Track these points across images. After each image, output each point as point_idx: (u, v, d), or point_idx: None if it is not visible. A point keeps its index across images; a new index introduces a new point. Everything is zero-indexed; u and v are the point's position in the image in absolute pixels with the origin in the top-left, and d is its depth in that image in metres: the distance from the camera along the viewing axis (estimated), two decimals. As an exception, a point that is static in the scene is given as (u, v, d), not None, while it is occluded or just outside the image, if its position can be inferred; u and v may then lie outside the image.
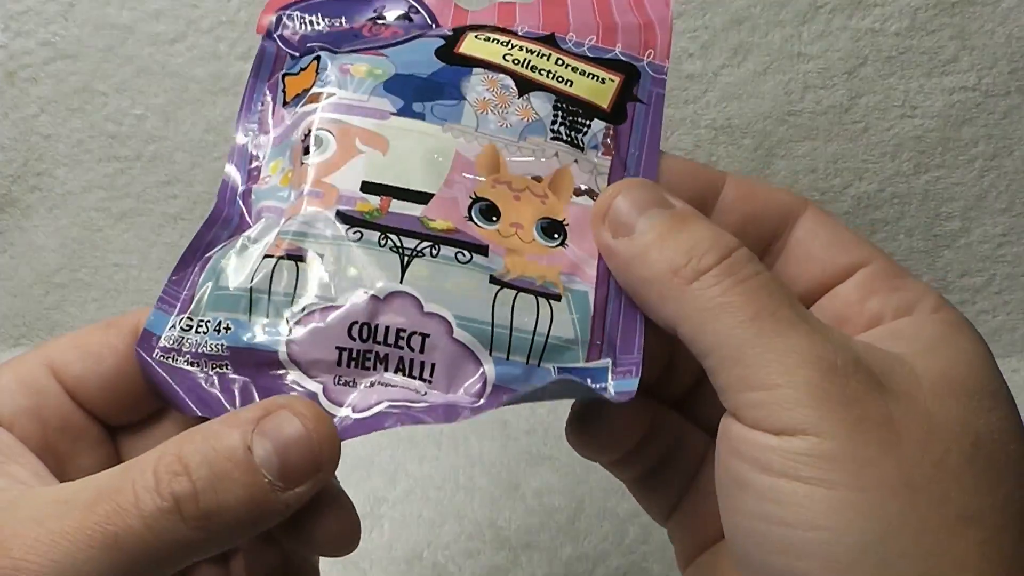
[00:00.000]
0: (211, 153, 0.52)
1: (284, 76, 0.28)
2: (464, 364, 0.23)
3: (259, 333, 0.23)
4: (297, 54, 0.28)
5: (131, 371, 0.23)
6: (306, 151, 0.25)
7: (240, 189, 0.27)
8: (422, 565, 0.44)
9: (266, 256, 0.24)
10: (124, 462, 0.21)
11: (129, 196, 0.53)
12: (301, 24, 0.29)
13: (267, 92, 0.28)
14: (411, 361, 0.23)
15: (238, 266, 0.24)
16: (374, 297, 0.23)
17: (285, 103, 0.27)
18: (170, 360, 0.23)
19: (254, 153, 0.27)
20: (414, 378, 0.23)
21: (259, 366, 0.23)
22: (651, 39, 0.28)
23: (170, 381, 0.23)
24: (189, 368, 0.23)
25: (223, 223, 0.26)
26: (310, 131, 0.25)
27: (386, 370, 0.23)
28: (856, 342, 0.22)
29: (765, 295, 0.21)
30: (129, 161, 0.53)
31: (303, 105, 0.26)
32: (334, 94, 0.26)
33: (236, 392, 0.23)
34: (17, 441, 0.22)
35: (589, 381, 0.23)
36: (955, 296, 0.54)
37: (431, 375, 0.23)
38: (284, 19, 0.29)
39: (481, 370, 0.23)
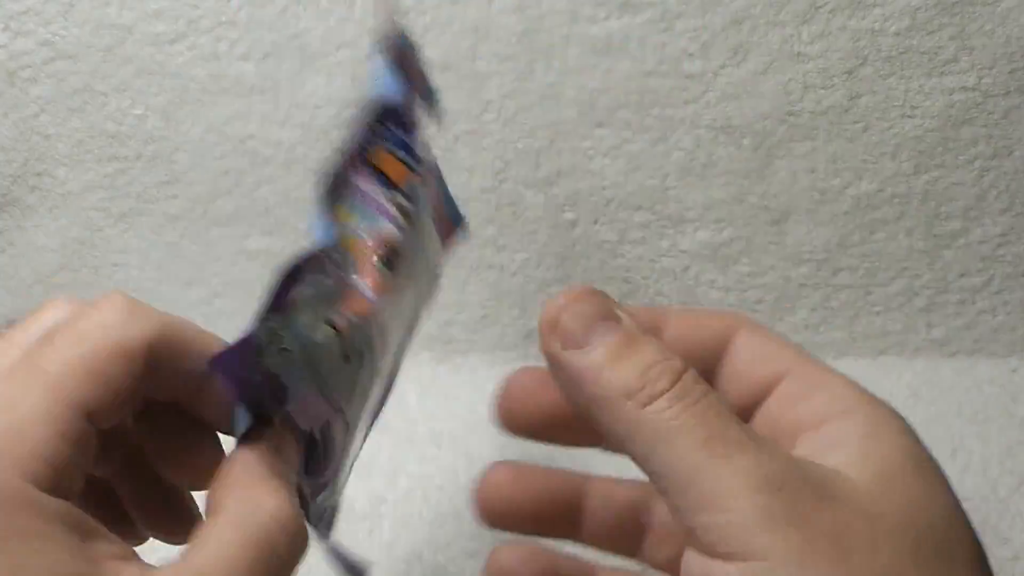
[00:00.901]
0: (211, 153, 0.53)
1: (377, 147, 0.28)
2: None
3: None
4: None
5: (142, 389, 0.23)
6: (386, 264, 0.26)
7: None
8: (422, 565, 0.44)
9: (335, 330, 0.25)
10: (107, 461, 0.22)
11: (129, 196, 0.53)
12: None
13: (365, 134, 0.29)
14: None
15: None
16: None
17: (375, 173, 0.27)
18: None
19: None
20: None
21: None
22: None
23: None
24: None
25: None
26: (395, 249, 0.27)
27: None
28: (799, 459, 0.22)
29: (714, 417, 0.22)
30: (129, 161, 0.53)
31: (392, 204, 0.27)
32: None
33: None
34: (90, 519, 0.21)
35: None
36: (955, 296, 0.54)
37: None
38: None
39: None
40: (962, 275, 0.54)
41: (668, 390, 0.22)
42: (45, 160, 0.53)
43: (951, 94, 0.50)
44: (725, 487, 0.21)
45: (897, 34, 0.50)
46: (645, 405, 0.22)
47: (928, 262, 0.54)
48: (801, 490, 0.21)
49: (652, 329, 0.25)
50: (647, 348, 0.23)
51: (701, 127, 0.51)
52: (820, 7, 0.49)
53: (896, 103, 0.51)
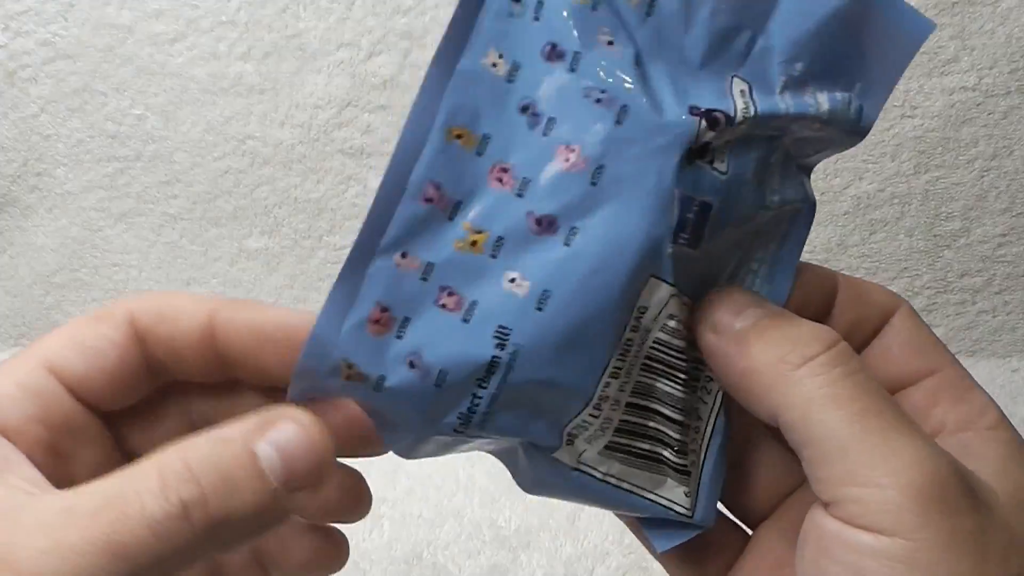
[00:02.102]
0: (211, 153, 0.52)
1: None
2: None
3: None
4: None
5: (132, 361, 0.23)
6: None
7: None
8: (422, 565, 0.44)
9: None
10: (126, 458, 0.21)
11: (129, 196, 0.53)
12: None
13: None
14: None
15: None
16: None
17: None
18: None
19: None
20: None
21: None
22: None
23: None
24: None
25: None
26: None
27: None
28: (949, 453, 0.22)
29: (871, 392, 0.22)
30: (129, 161, 0.53)
31: None
32: None
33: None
34: (15, 450, 0.21)
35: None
36: (955, 296, 0.54)
37: None
38: None
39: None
40: (962, 275, 0.54)
41: (820, 354, 0.22)
42: (45, 160, 0.53)
43: (951, 94, 0.50)
44: (879, 465, 0.20)
45: (897, 34, 0.50)
46: (798, 367, 0.22)
47: (928, 262, 0.54)
48: (955, 486, 0.21)
49: (823, 291, 0.25)
50: (797, 320, 0.23)
51: (701, 127, 0.51)
52: (820, 7, 0.49)
53: (896, 103, 0.51)
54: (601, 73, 0.23)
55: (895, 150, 0.51)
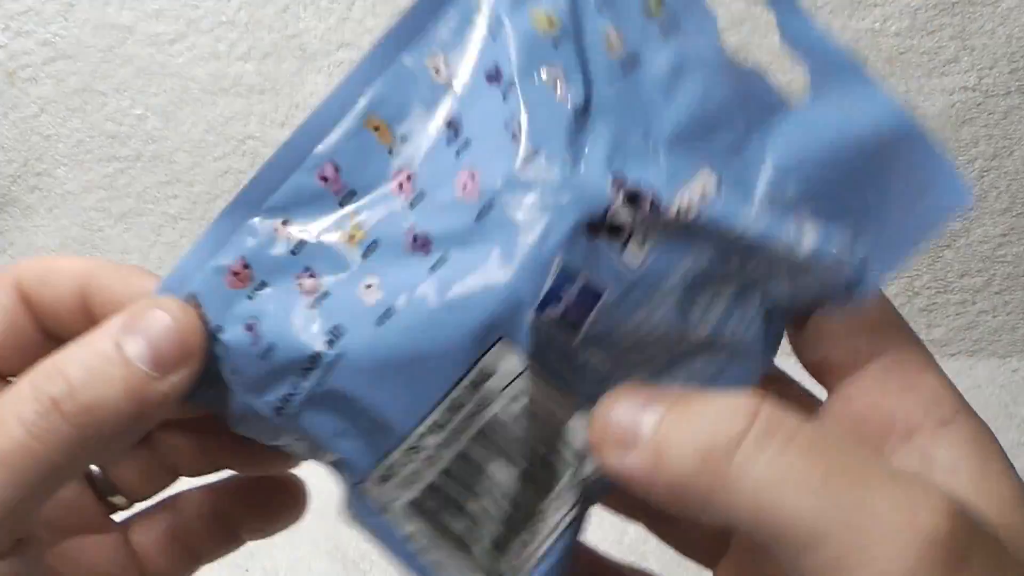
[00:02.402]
0: (211, 153, 0.53)
1: None
2: None
3: None
4: None
5: (22, 323, 0.23)
6: None
7: None
8: (422, 565, 0.44)
9: None
10: None
11: (129, 196, 0.53)
12: None
13: None
14: None
15: None
16: None
17: None
18: None
19: None
20: None
21: None
22: None
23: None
24: None
25: None
26: None
27: None
28: (943, 490, 0.18)
29: (825, 448, 0.18)
30: (129, 161, 0.53)
31: None
32: None
33: None
34: None
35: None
36: (955, 296, 0.54)
37: None
38: None
39: None
40: (962, 275, 0.54)
41: (747, 430, 0.18)
42: (45, 160, 0.53)
43: (951, 94, 0.50)
44: (867, 537, 0.17)
45: (897, 34, 0.50)
46: (728, 460, 0.18)
47: (928, 262, 0.54)
48: (959, 534, 0.17)
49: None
50: (703, 400, 0.19)
51: (701, 127, 0.51)
52: (820, 7, 0.49)
53: (896, 103, 0.51)
54: (526, 109, 0.21)
55: (895, 150, 0.51)
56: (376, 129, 0.22)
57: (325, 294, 0.22)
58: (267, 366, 0.22)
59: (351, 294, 0.21)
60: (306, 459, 0.24)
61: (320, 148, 0.22)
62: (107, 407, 0.20)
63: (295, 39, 0.51)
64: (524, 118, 0.21)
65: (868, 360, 0.21)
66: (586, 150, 0.21)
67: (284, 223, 0.22)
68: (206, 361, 0.22)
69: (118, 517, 0.27)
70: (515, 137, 0.21)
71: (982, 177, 0.52)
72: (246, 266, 0.22)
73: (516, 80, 0.21)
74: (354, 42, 0.51)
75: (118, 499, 0.26)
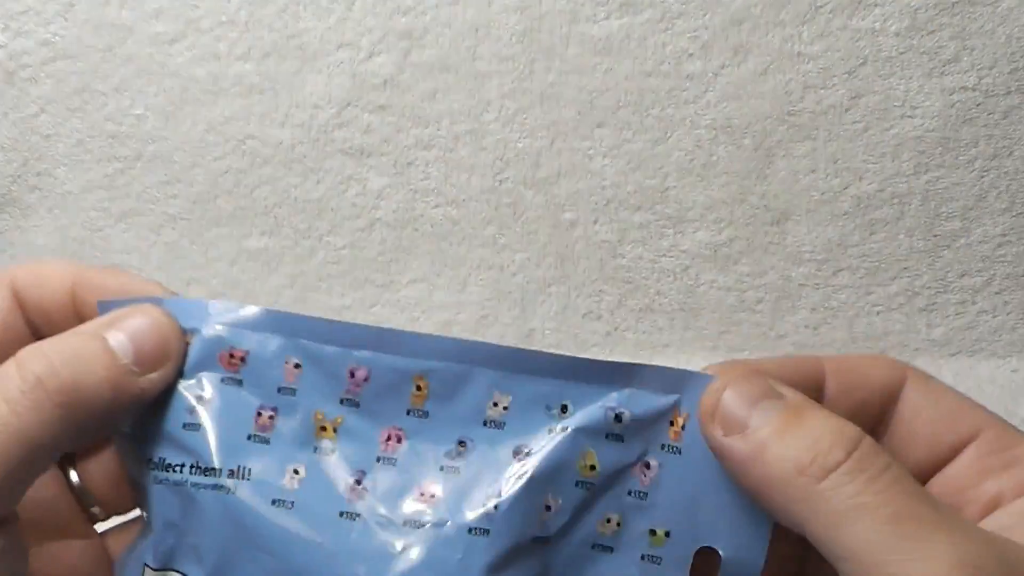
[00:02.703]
0: (211, 153, 0.53)
1: None
2: None
3: None
4: None
5: (15, 323, 0.25)
6: None
7: None
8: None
9: None
10: None
11: (129, 196, 0.53)
12: None
13: None
14: None
15: None
16: None
17: None
18: None
19: None
20: None
21: None
22: None
23: None
24: None
25: None
26: None
27: None
28: (995, 537, 0.21)
29: (900, 492, 0.20)
30: (129, 161, 0.53)
31: None
32: None
33: None
34: None
35: None
36: (955, 296, 0.54)
37: None
38: None
39: None
40: (962, 275, 0.54)
41: (844, 461, 0.20)
42: (45, 160, 0.53)
43: (951, 94, 0.50)
44: (920, 570, 0.19)
45: (897, 34, 0.50)
46: (820, 480, 0.20)
47: (928, 262, 0.54)
48: (999, 572, 0.19)
49: (811, 384, 0.23)
50: (816, 418, 0.21)
51: (701, 127, 0.51)
52: (820, 7, 0.49)
53: (896, 103, 0.51)
54: (510, 500, 0.23)
55: (895, 150, 0.51)
56: (418, 388, 0.24)
57: (266, 440, 0.24)
58: (181, 435, 0.23)
59: (279, 462, 0.23)
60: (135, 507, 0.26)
61: (373, 354, 0.24)
62: (88, 390, 0.21)
63: (295, 39, 0.51)
64: (505, 505, 0.23)
65: (962, 447, 0.23)
66: (511, 568, 0.23)
67: (296, 366, 0.24)
68: (180, 368, 0.23)
69: (103, 527, 0.27)
70: (484, 507, 0.23)
71: (982, 177, 0.52)
72: (243, 360, 0.24)
73: (527, 478, 0.23)
74: (354, 42, 0.51)
75: (96, 510, 0.27)
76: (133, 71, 0.51)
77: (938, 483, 0.24)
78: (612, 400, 0.24)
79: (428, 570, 0.23)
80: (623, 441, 0.24)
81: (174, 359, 0.23)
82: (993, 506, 0.22)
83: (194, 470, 0.23)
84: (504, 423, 0.24)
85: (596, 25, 0.50)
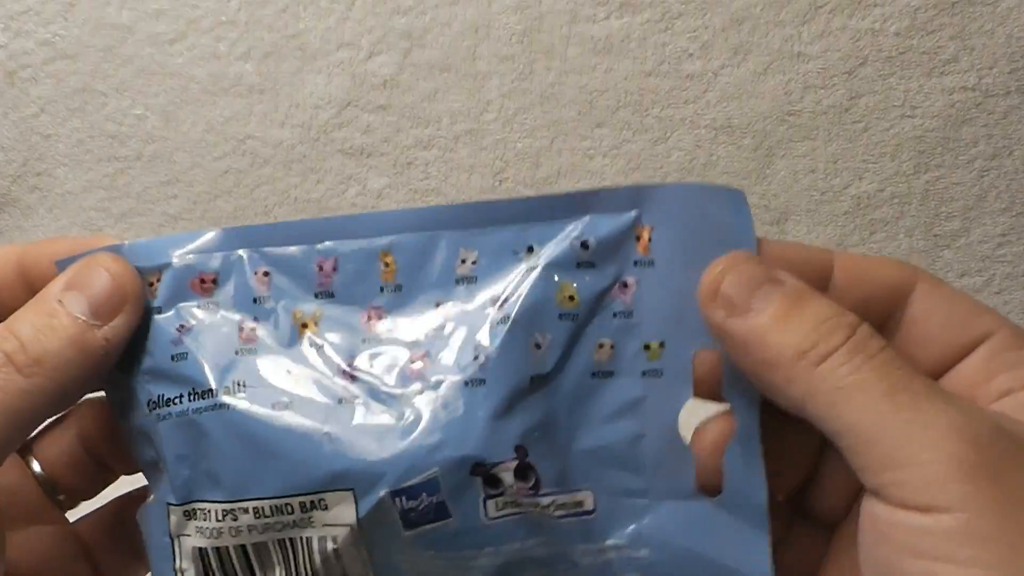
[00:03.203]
0: (211, 153, 0.52)
1: None
2: None
3: None
4: None
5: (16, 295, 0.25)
6: None
7: None
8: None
9: None
10: None
11: (129, 196, 0.53)
12: None
13: None
14: None
15: None
16: None
17: None
18: None
19: None
20: None
21: None
22: None
23: None
24: None
25: None
26: None
27: None
28: (990, 411, 0.21)
29: (895, 369, 0.21)
30: (129, 161, 0.53)
31: None
32: None
33: None
34: None
35: None
36: (955, 296, 0.54)
37: None
38: None
39: None
40: (962, 275, 0.54)
41: (842, 345, 0.21)
42: (45, 160, 0.53)
43: (951, 94, 0.50)
44: (915, 440, 0.20)
45: (897, 34, 0.50)
46: (819, 363, 0.21)
47: (928, 262, 0.54)
48: (998, 441, 0.20)
49: (818, 276, 0.24)
50: (816, 305, 0.22)
51: (701, 127, 0.51)
52: (820, 7, 0.49)
53: (896, 103, 0.51)
54: (500, 349, 0.23)
55: (895, 150, 0.51)
56: (386, 265, 0.24)
57: (253, 350, 0.24)
58: (171, 367, 0.24)
59: (272, 367, 0.24)
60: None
61: (334, 243, 0.24)
62: (55, 356, 0.22)
63: (295, 39, 0.51)
64: (494, 352, 0.23)
65: (971, 349, 0.24)
66: (515, 412, 0.23)
67: (265, 274, 0.24)
68: (140, 314, 0.24)
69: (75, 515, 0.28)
70: (476, 358, 0.23)
71: (982, 177, 0.52)
72: (215, 282, 0.24)
73: (510, 322, 0.24)
74: (354, 42, 0.51)
75: (61, 498, 0.27)
76: (133, 71, 0.51)
77: (948, 381, 0.23)
78: (574, 230, 0.24)
79: (434, 432, 0.23)
80: (595, 267, 0.24)
81: (132, 301, 0.24)
82: (999, 398, 0.22)
83: (192, 396, 0.23)
84: (476, 277, 0.24)
85: (596, 25, 0.50)
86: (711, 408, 0.25)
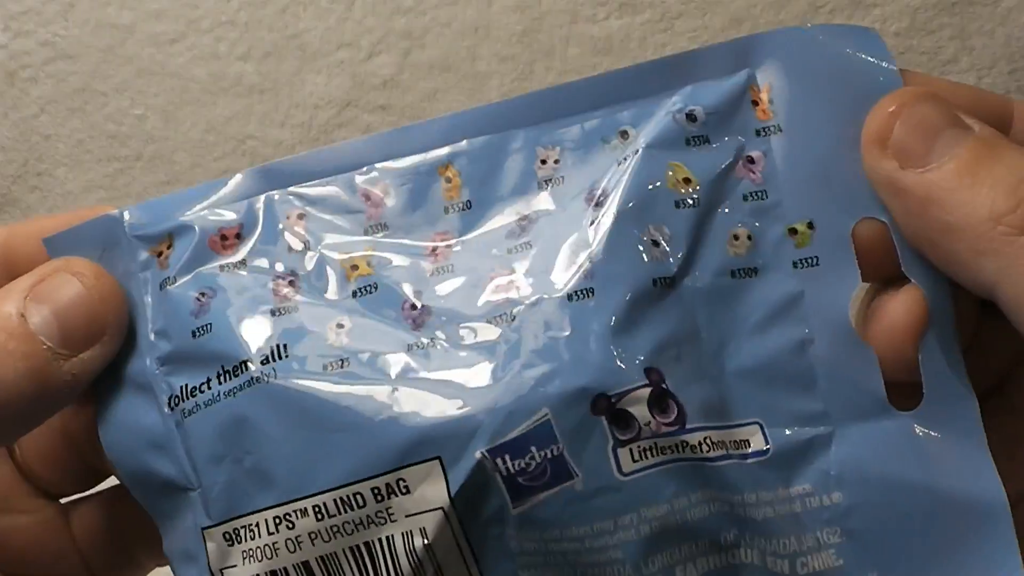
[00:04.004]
0: (211, 153, 0.52)
1: None
2: None
3: None
4: None
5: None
6: None
7: None
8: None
9: None
10: None
11: (129, 196, 0.53)
12: None
13: None
14: None
15: None
16: None
17: None
18: None
19: None
20: None
21: None
22: None
23: None
24: None
25: None
26: None
27: None
28: None
29: None
30: (129, 161, 0.53)
31: None
32: None
33: None
34: None
35: None
36: (955, 296, 0.54)
37: None
38: None
39: None
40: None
41: None
42: (45, 160, 0.53)
43: (951, 94, 0.50)
44: None
45: (897, 34, 0.50)
46: (1021, 231, 0.16)
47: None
48: None
49: (1000, 122, 0.19)
50: (1013, 158, 0.17)
51: (701, 127, 0.51)
52: (820, 7, 0.49)
53: (896, 103, 0.51)
54: (606, 250, 0.18)
55: (895, 150, 0.51)
56: (448, 180, 0.20)
57: (293, 307, 0.19)
58: (193, 345, 0.19)
59: (318, 323, 0.19)
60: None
61: (381, 166, 0.19)
62: (5, 390, 0.18)
63: (295, 39, 0.51)
64: (599, 256, 0.18)
65: None
66: (640, 325, 0.18)
67: (300, 216, 0.20)
68: (124, 336, 0.19)
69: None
70: (577, 266, 0.18)
71: (982, 177, 0.52)
72: (239, 236, 0.19)
73: (614, 216, 0.19)
74: (354, 42, 0.51)
75: (47, 490, 0.24)
76: (133, 71, 0.51)
77: None
78: (675, 103, 0.19)
79: (536, 362, 0.18)
80: (709, 141, 0.19)
81: (112, 333, 0.19)
82: None
83: (223, 377, 0.18)
84: (563, 177, 0.19)
85: (596, 25, 0.50)
86: (891, 292, 0.20)
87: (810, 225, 0.19)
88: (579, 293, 0.18)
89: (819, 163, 0.19)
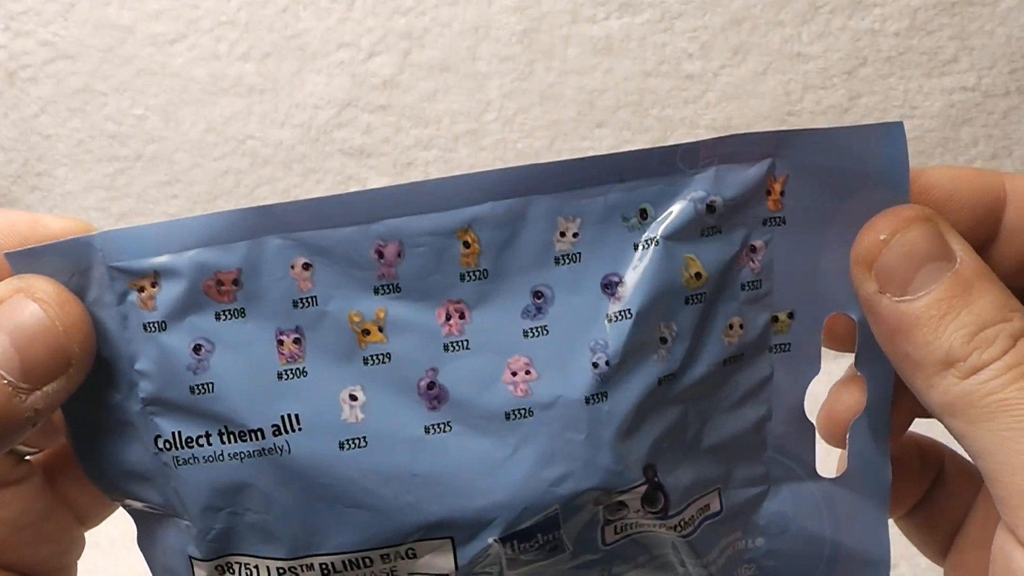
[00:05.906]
0: (211, 153, 0.53)
1: None
2: None
3: None
4: None
5: None
6: None
7: None
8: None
9: None
10: None
11: (129, 196, 0.53)
12: None
13: None
14: None
15: None
16: None
17: None
18: None
19: None
20: None
21: None
22: None
23: None
24: None
25: None
26: None
27: None
28: None
29: None
30: (129, 161, 0.53)
31: None
32: None
33: None
34: None
35: None
36: (955, 296, 0.54)
37: None
38: None
39: None
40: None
41: (999, 358, 0.18)
42: (45, 160, 0.53)
43: (951, 94, 0.50)
44: None
45: (897, 34, 0.50)
46: (968, 375, 0.18)
47: (928, 262, 0.54)
48: None
49: (991, 201, 0.20)
50: (984, 300, 0.18)
51: (701, 127, 0.51)
52: (820, 7, 0.49)
53: (896, 103, 0.51)
54: (622, 351, 0.19)
55: (895, 150, 0.51)
56: (466, 245, 0.19)
57: (302, 371, 0.18)
58: (191, 400, 0.18)
59: (330, 392, 0.18)
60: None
61: (396, 222, 0.18)
62: None
63: (295, 39, 0.51)
64: (615, 357, 0.19)
65: None
66: (644, 425, 0.19)
67: (306, 267, 0.18)
68: (91, 367, 0.17)
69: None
70: (594, 366, 0.19)
71: (982, 177, 0.52)
72: (236, 283, 0.18)
73: (632, 312, 0.19)
74: (354, 42, 0.51)
75: (28, 457, 0.22)
76: (133, 71, 0.51)
77: None
78: (698, 189, 0.19)
79: (553, 464, 0.18)
80: (721, 233, 0.19)
81: (78, 364, 0.17)
82: None
83: (227, 438, 0.18)
84: (580, 254, 0.19)
85: (596, 25, 0.50)
86: (845, 379, 0.22)
87: (790, 315, 0.21)
88: (595, 397, 0.19)
89: (811, 260, 0.20)
